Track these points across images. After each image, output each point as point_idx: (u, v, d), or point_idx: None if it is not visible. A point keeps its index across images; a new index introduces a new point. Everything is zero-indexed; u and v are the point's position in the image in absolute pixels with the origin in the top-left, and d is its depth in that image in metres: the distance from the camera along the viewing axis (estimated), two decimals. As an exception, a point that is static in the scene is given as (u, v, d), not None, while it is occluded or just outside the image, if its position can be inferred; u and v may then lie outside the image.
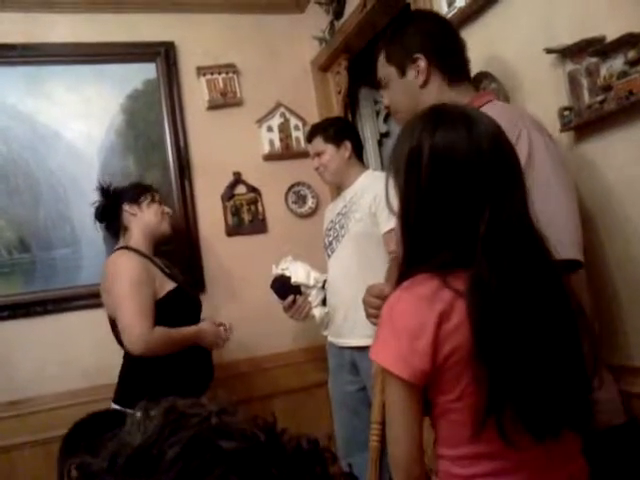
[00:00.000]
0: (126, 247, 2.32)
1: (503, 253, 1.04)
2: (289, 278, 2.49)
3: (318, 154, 2.58)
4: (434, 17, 1.71)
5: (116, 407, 2.20)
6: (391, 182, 1.16)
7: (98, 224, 2.47)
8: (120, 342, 2.32)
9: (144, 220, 2.37)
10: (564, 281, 1.11)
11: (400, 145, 1.14)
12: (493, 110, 1.45)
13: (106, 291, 2.30)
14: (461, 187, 1.06)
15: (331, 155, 2.53)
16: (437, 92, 1.57)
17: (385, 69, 1.66)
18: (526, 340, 1.03)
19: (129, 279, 2.20)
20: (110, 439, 0.56)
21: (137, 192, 2.41)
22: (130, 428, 0.56)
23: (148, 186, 2.50)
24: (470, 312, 1.03)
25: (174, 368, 2.21)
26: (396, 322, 1.10)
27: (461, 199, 1.06)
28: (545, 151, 1.39)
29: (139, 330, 2.14)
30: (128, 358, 2.30)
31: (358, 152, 2.60)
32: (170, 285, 2.32)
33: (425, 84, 1.59)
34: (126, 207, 2.36)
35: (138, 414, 0.57)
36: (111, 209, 2.40)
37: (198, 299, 2.48)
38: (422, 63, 1.57)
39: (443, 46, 1.59)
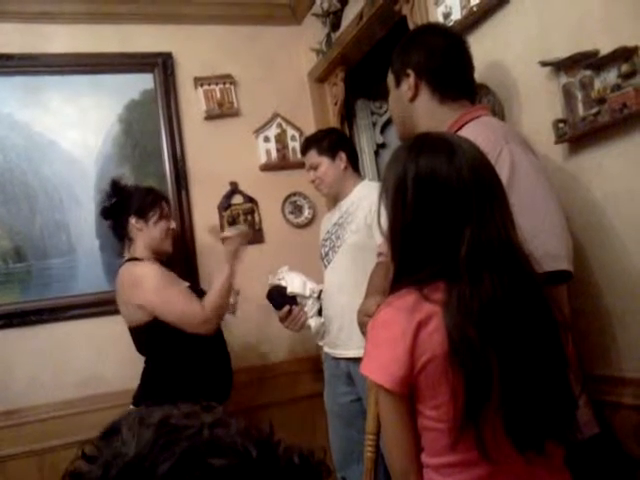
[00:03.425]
0: (135, 258, 2.33)
1: (483, 271, 1.09)
2: (285, 288, 2.48)
3: (313, 167, 2.56)
4: (443, 33, 1.70)
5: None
6: (382, 205, 1.23)
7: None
8: (140, 350, 2.35)
9: (149, 236, 2.36)
10: (547, 296, 1.15)
11: (388, 171, 1.22)
12: (476, 127, 1.49)
13: (126, 303, 2.29)
14: (443, 208, 1.13)
15: (327, 167, 2.52)
16: (425, 108, 1.61)
17: (389, 75, 1.71)
18: (504, 351, 1.07)
19: (156, 279, 2.23)
20: (106, 445, 0.56)
21: (146, 205, 2.37)
22: (125, 437, 0.56)
23: (158, 196, 2.45)
24: (446, 322, 1.08)
25: (194, 373, 2.23)
26: (377, 334, 1.18)
27: (443, 219, 1.13)
28: (528, 165, 1.41)
29: (197, 315, 2.20)
30: (150, 363, 2.32)
31: (353, 162, 2.58)
32: (184, 284, 2.38)
33: (413, 99, 1.63)
34: (133, 221, 2.34)
35: (135, 421, 0.57)
36: (118, 210, 2.39)
37: None
38: (411, 80, 1.61)
39: (440, 65, 1.60)
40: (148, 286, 2.23)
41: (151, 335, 2.27)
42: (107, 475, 0.53)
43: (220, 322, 2.27)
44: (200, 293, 2.44)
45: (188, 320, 2.20)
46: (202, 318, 2.21)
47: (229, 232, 2.42)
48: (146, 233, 2.36)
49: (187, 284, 2.41)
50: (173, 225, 2.47)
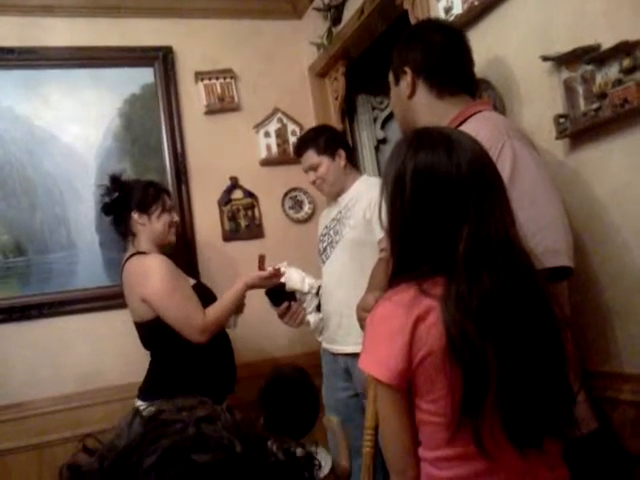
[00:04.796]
0: (139, 252, 2.31)
1: (481, 267, 1.09)
2: (283, 284, 2.47)
3: (313, 168, 2.48)
4: (441, 29, 1.69)
5: (140, 403, 2.21)
6: (382, 200, 1.23)
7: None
8: (145, 345, 2.34)
9: (152, 230, 2.34)
10: (547, 293, 1.15)
11: (388, 166, 1.22)
12: (478, 122, 1.49)
13: (133, 295, 2.28)
14: (441, 203, 1.13)
15: (327, 167, 2.45)
16: (424, 104, 1.62)
17: (390, 72, 1.72)
18: (502, 347, 1.07)
19: (164, 276, 2.22)
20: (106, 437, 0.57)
21: (148, 200, 2.35)
22: (121, 430, 0.57)
23: (160, 190, 2.42)
24: (444, 317, 1.08)
25: (199, 368, 2.24)
26: (376, 328, 1.18)
27: (441, 214, 1.13)
28: (530, 160, 1.41)
29: (197, 321, 2.20)
30: (155, 358, 2.33)
31: (350, 158, 2.55)
32: (191, 281, 2.38)
33: (411, 96, 1.64)
34: (135, 216, 2.32)
35: (129, 415, 0.58)
36: (119, 206, 2.37)
37: (215, 295, 2.47)
38: (409, 77, 1.62)
39: (437, 62, 1.61)
40: (155, 281, 2.21)
41: (156, 331, 2.27)
42: (102, 467, 0.54)
43: (213, 335, 2.25)
44: (206, 290, 2.43)
45: (188, 325, 2.20)
46: (200, 328, 2.21)
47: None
48: (149, 227, 2.34)
49: (194, 282, 2.40)
50: (176, 218, 2.46)
